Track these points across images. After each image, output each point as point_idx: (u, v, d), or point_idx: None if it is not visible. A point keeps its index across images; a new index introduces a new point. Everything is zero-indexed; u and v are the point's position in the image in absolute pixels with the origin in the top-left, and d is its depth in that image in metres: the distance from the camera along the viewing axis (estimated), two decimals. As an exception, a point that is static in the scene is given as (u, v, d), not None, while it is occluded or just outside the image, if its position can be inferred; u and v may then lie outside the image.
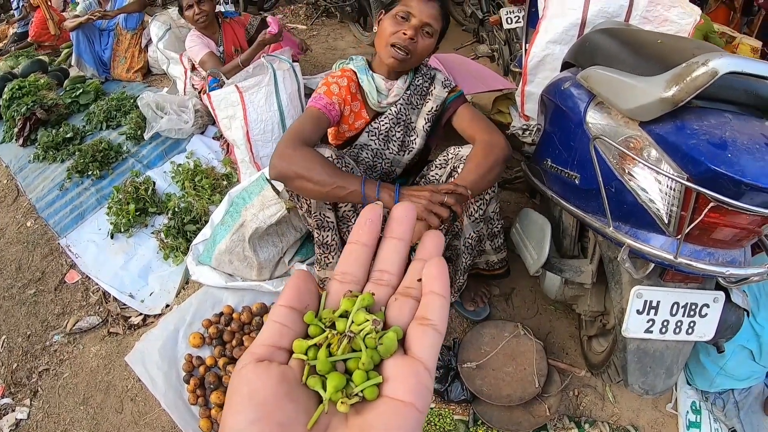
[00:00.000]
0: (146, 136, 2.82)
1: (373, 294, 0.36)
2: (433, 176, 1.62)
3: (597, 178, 1.20)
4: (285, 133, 1.42)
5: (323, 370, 0.33)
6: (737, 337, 1.37)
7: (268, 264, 1.93)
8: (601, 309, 1.56)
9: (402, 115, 1.62)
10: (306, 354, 0.34)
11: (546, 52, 1.98)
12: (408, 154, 1.68)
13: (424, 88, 1.64)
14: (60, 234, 2.43)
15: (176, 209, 2.34)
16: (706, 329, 1.25)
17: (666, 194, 1.11)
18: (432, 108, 1.63)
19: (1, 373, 1.89)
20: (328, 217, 1.55)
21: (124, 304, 2.06)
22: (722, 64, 0.97)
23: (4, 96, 3.26)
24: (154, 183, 2.52)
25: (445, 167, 1.59)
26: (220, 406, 1.63)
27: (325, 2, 4.52)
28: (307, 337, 0.35)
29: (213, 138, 2.86)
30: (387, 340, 0.33)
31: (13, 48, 4.45)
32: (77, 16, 3.50)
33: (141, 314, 2.01)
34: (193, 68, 2.90)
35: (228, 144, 2.62)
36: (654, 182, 1.13)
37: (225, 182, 2.51)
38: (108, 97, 3.26)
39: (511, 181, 2.35)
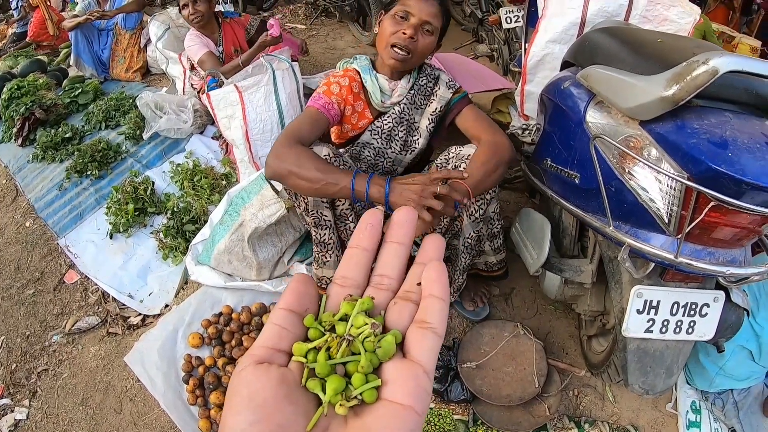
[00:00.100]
0: (145, 135, 2.81)
1: (372, 298, 0.37)
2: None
3: (597, 178, 1.20)
4: (281, 133, 1.43)
5: (323, 372, 0.33)
6: (737, 338, 1.37)
7: (267, 264, 1.93)
8: (601, 309, 1.56)
9: (405, 114, 1.62)
10: (306, 357, 0.34)
11: (545, 52, 1.97)
12: (410, 153, 1.68)
13: (428, 89, 1.64)
14: (59, 234, 2.42)
15: (175, 209, 2.33)
16: (706, 329, 1.25)
17: (666, 193, 1.11)
18: (436, 109, 1.63)
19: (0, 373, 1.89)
20: (326, 216, 1.55)
21: (123, 304, 2.06)
22: (723, 62, 0.97)
23: (3, 96, 3.25)
24: (153, 183, 2.51)
25: (446, 166, 1.59)
26: (220, 407, 1.62)
27: (324, 2, 4.52)
28: (306, 340, 0.35)
29: (212, 138, 2.85)
30: (385, 344, 0.33)
31: (12, 48, 4.45)
32: (76, 16, 3.50)
33: (140, 314, 2.00)
34: (192, 68, 2.89)
35: (227, 144, 2.62)
36: (654, 181, 1.13)
37: (224, 182, 2.51)
38: (107, 97, 3.26)
39: (510, 181, 2.35)
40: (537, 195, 2.11)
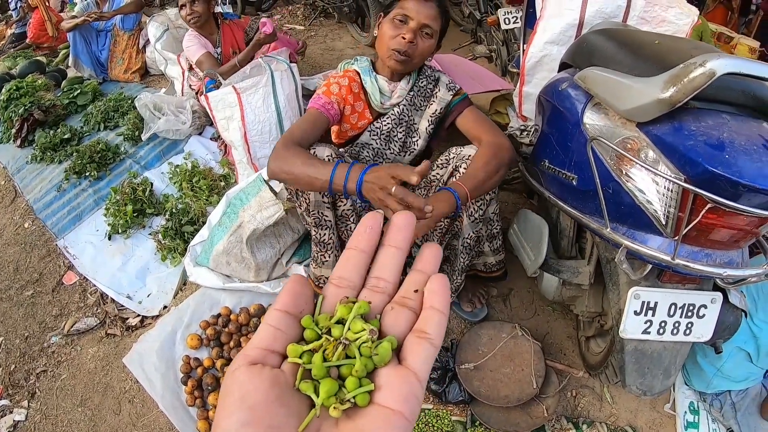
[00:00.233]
0: (144, 137, 2.81)
1: (369, 302, 0.37)
2: (434, 176, 1.63)
3: (594, 179, 1.21)
4: (282, 135, 1.45)
5: (318, 374, 0.33)
6: (734, 339, 1.37)
7: (266, 265, 1.93)
8: (598, 310, 1.57)
9: (404, 116, 1.62)
10: (300, 358, 0.34)
11: (544, 53, 1.98)
12: (409, 155, 1.68)
13: (428, 90, 1.64)
14: (58, 235, 2.42)
15: (174, 210, 2.33)
16: (703, 330, 1.25)
17: (663, 195, 1.11)
18: (436, 110, 1.64)
19: (-2, 375, 1.88)
20: (327, 216, 1.55)
21: (122, 306, 2.06)
22: (720, 65, 0.97)
23: (1, 97, 3.26)
24: (152, 184, 2.51)
25: (446, 167, 1.59)
26: (218, 408, 1.62)
27: (322, 3, 4.53)
28: (301, 341, 0.36)
29: (211, 139, 2.85)
30: (382, 350, 0.34)
31: (11, 49, 4.44)
32: (74, 17, 3.50)
33: (139, 315, 2.00)
34: (191, 69, 2.89)
35: (226, 145, 2.62)
36: (651, 183, 1.13)
37: (222, 183, 2.51)
38: (106, 98, 3.26)
39: (508, 182, 2.35)
40: (535, 196, 2.11)
